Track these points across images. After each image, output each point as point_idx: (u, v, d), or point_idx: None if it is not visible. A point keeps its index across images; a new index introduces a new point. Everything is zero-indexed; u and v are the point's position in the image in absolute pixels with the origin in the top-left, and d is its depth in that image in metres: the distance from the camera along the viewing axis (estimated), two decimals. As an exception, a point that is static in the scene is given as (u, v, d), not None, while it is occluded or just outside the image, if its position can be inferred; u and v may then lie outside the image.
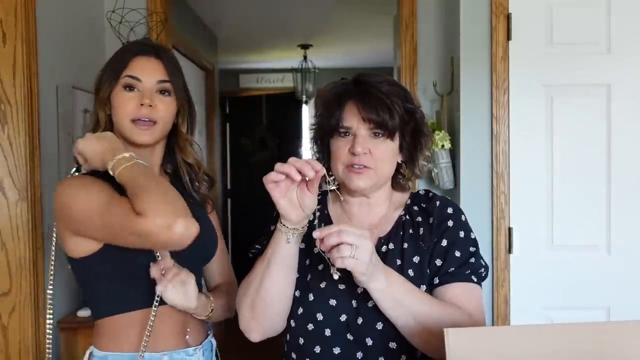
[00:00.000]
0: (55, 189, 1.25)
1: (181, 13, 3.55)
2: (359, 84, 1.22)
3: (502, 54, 2.41)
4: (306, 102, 5.62)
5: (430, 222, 1.24)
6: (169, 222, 1.07)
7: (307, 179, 1.06)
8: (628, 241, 2.33)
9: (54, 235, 1.34)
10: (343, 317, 1.18)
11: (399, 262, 1.21)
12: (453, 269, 1.20)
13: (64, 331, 2.25)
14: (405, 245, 1.23)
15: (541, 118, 2.40)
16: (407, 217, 1.27)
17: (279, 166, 1.06)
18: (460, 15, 2.48)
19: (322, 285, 1.20)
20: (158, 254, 1.22)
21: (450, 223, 1.23)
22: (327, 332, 1.18)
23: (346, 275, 1.07)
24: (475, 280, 1.21)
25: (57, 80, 2.26)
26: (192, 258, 1.30)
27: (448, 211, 1.25)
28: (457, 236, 1.23)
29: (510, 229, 2.43)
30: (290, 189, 1.08)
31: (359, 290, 1.16)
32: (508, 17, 2.40)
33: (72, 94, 2.29)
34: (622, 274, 2.32)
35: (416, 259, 1.22)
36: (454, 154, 2.61)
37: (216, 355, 1.46)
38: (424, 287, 1.19)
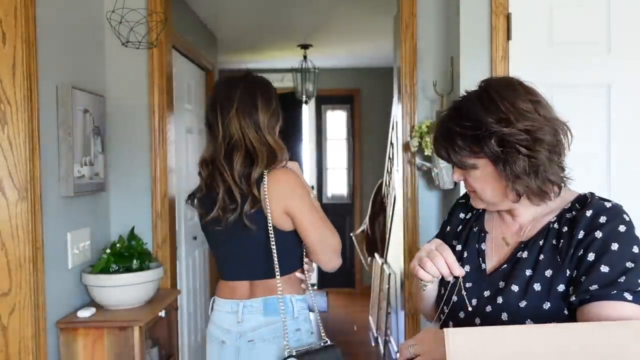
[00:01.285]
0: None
1: (181, 13, 3.55)
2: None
3: (502, 53, 2.41)
4: (306, 102, 5.61)
5: (574, 233, 1.16)
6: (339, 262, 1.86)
7: None
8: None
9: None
10: None
11: (528, 272, 1.19)
12: (596, 286, 1.09)
13: (64, 331, 2.25)
14: (542, 256, 1.19)
15: (541, 118, 2.40)
16: (556, 225, 1.20)
17: (432, 269, 1.24)
18: (460, 15, 2.48)
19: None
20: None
21: (598, 234, 1.13)
22: None
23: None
24: (629, 298, 1.07)
25: (57, 80, 2.26)
26: None
27: (600, 220, 1.15)
28: (606, 249, 1.11)
29: (510, 229, 2.43)
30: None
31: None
32: (508, 17, 2.40)
33: (72, 94, 2.29)
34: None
35: (548, 273, 1.17)
36: (454, 154, 2.60)
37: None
38: (547, 305, 1.15)
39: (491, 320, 1.20)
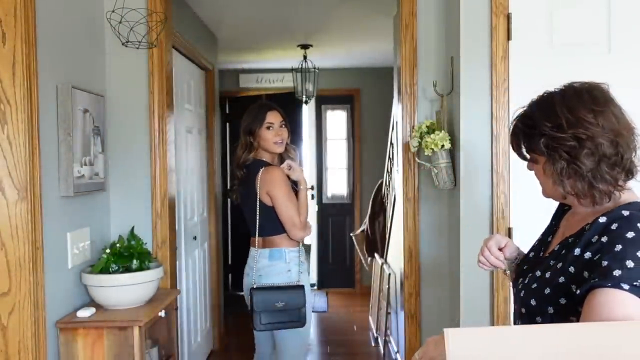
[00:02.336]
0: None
1: (181, 13, 3.55)
2: None
3: (502, 53, 2.41)
4: (306, 102, 5.61)
5: (587, 238, 1.22)
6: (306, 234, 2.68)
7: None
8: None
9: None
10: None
11: (551, 262, 1.31)
12: (596, 279, 1.12)
13: (64, 331, 2.25)
14: (564, 251, 1.29)
15: (541, 118, 2.40)
16: (588, 228, 1.24)
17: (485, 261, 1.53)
18: (461, 15, 2.48)
19: None
20: None
21: (604, 239, 1.18)
22: None
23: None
24: (625, 287, 1.08)
25: (56, 80, 2.26)
26: None
27: (611, 227, 1.19)
28: (609, 249, 1.15)
29: (510, 229, 2.43)
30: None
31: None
32: (508, 17, 2.40)
33: (72, 93, 2.28)
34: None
35: (559, 265, 1.26)
36: (454, 154, 2.60)
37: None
38: (548, 290, 1.26)
39: (517, 298, 1.38)
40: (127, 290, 2.37)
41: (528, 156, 1.37)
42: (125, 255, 2.46)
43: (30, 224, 2.00)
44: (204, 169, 4.29)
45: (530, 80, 2.40)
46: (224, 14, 4.21)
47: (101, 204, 2.69)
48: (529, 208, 2.41)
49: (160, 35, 2.72)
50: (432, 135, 2.59)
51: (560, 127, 1.24)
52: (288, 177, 2.67)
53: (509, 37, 2.40)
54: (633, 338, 0.99)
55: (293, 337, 2.62)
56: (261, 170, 2.62)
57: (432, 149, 2.58)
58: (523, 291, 1.34)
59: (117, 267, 2.43)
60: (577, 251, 1.22)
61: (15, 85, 1.97)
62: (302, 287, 2.58)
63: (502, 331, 1.06)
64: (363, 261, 5.33)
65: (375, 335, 4.76)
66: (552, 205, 2.41)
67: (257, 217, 2.62)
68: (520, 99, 2.39)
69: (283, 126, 2.70)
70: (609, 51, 2.36)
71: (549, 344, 0.98)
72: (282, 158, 2.75)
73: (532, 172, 1.40)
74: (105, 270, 2.40)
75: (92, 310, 2.33)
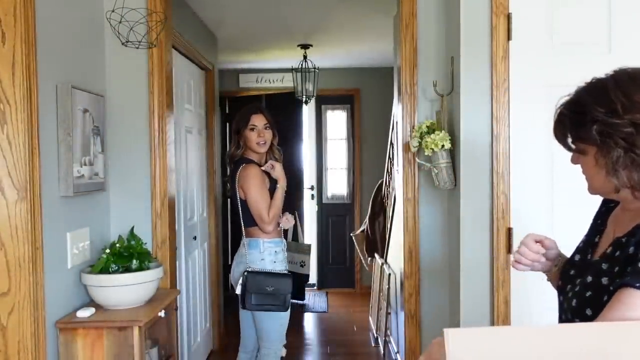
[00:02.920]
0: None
1: (181, 13, 3.55)
2: None
3: (503, 53, 2.41)
4: (306, 102, 5.61)
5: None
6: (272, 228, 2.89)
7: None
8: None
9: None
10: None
11: (604, 266, 1.22)
12: (627, 277, 1.10)
13: (63, 331, 2.24)
14: (617, 252, 1.20)
15: (542, 118, 2.39)
16: None
17: (524, 260, 1.41)
18: (461, 15, 2.47)
19: None
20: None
21: None
22: None
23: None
24: (637, 285, 1.07)
25: (56, 80, 2.26)
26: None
27: None
28: None
29: (510, 229, 2.43)
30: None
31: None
32: (508, 17, 2.40)
33: (71, 93, 2.28)
34: (622, 274, 2.31)
35: (616, 269, 1.18)
36: (454, 154, 2.60)
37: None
38: (589, 279, 1.22)
39: (567, 307, 1.28)
40: (127, 290, 2.37)
41: (574, 147, 1.26)
42: (125, 255, 2.46)
43: (30, 224, 2.00)
44: (204, 169, 4.29)
45: (530, 80, 2.40)
46: (224, 14, 4.21)
47: (101, 204, 2.68)
48: (529, 208, 2.41)
49: (160, 35, 2.72)
50: (432, 135, 2.59)
51: (615, 112, 1.14)
52: (270, 175, 2.92)
53: (509, 37, 2.40)
54: (635, 338, 0.98)
55: (272, 321, 2.86)
56: (241, 167, 2.89)
57: (432, 149, 2.58)
58: (574, 299, 1.24)
59: (116, 267, 2.42)
60: (631, 250, 1.14)
61: (15, 85, 1.97)
62: (290, 275, 2.87)
63: (502, 331, 1.06)
64: (363, 261, 5.33)
65: (375, 335, 4.75)
66: (553, 205, 2.41)
67: (240, 210, 2.91)
68: (520, 99, 2.41)
69: (267, 128, 2.97)
70: (609, 51, 2.36)
71: (549, 344, 0.97)
72: (269, 158, 3.02)
73: (577, 166, 1.29)
74: (105, 270, 2.40)
75: (92, 310, 2.33)
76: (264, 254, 2.89)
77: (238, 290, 2.85)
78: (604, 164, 1.18)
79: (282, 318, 2.90)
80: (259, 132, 2.94)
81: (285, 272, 2.90)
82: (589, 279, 1.22)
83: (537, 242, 1.42)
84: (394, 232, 4.16)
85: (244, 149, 2.96)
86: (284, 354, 2.97)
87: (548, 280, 1.48)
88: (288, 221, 2.97)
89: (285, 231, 3.03)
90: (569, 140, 1.25)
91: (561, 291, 1.35)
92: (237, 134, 2.98)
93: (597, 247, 1.33)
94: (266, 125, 2.97)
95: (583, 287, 1.23)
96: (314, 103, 6.37)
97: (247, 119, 2.94)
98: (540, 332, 1.01)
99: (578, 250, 1.40)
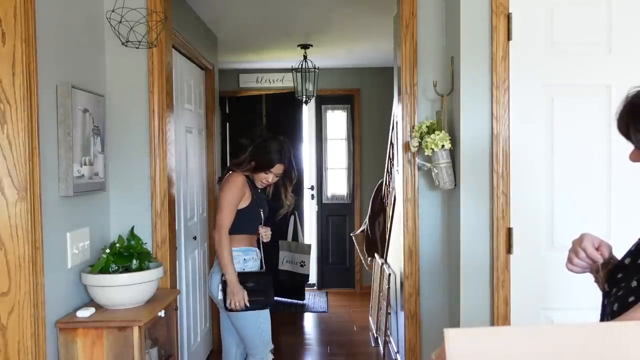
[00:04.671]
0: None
1: (181, 13, 3.54)
2: None
3: (503, 53, 2.41)
4: (306, 102, 5.61)
5: None
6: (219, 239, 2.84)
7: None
8: (629, 242, 2.32)
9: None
10: None
11: None
12: None
13: (63, 331, 2.24)
14: None
15: (541, 118, 2.40)
16: None
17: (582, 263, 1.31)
18: (461, 15, 2.47)
19: None
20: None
21: None
22: None
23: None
24: None
25: (56, 79, 2.26)
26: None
27: None
28: None
29: (510, 229, 2.43)
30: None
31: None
32: (508, 17, 2.40)
33: (71, 93, 2.28)
34: (622, 274, 2.31)
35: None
36: (454, 153, 2.60)
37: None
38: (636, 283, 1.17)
39: (609, 311, 1.23)
40: (127, 290, 2.37)
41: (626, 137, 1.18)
42: (125, 255, 2.46)
43: (30, 224, 2.00)
44: (204, 169, 4.29)
45: (530, 80, 2.40)
46: (224, 14, 4.21)
47: (101, 204, 2.68)
48: (529, 208, 2.41)
49: (160, 35, 2.72)
50: (432, 135, 2.59)
51: None
52: (253, 185, 2.96)
53: (509, 37, 2.40)
54: (635, 338, 0.98)
55: (251, 325, 2.85)
56: (229, 172, 2.97)
57: (432, 149, 2.58)
58: (616, 303, 1.19)
59: (116, 267, 2.42)
60: None
61: (15, 85, 1.97)
62: (266, 274, 2.96)
63: (502, 331, 1.06)
64: (363, 261, 5.33)
65: (375, 335, 4.75)
66: (553, 204, 2.41)
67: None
68: (520, 99, 2.41)
69: (278, 177, 3.00)
70: (609, 51, 2.36)
71: (550, 344, 0.97)
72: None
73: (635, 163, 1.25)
74: (105, 270, 2.39)
75: (92, 310, 2.33)
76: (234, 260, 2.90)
77: (220, 296, 2.82)
78: None
79: (262, 323, 2.88)
80: (271, 178, 2.97)
81: (262, 271, 2.95)
82: (634, 283, 1.16)
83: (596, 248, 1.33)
84: (393, 232, 4.16)
85: (247, 170, 2.94)
86: None
87: (595, 282, 1.38)
88: (266, 235, 3.00)
89: (285, 231, 3.06)
90: (632, 133, 1.17)
91: (607, 294, 1.28)
92: (252, 160, 2.93)
93: None
94: (280, 175, 2.99)
95: (626, 292, 1.17)
96: (314, 103, 6.37)
97: (271, 164, 2.92)
98: (540, 332, 1.01)
99: (629, 253, 1.32)
